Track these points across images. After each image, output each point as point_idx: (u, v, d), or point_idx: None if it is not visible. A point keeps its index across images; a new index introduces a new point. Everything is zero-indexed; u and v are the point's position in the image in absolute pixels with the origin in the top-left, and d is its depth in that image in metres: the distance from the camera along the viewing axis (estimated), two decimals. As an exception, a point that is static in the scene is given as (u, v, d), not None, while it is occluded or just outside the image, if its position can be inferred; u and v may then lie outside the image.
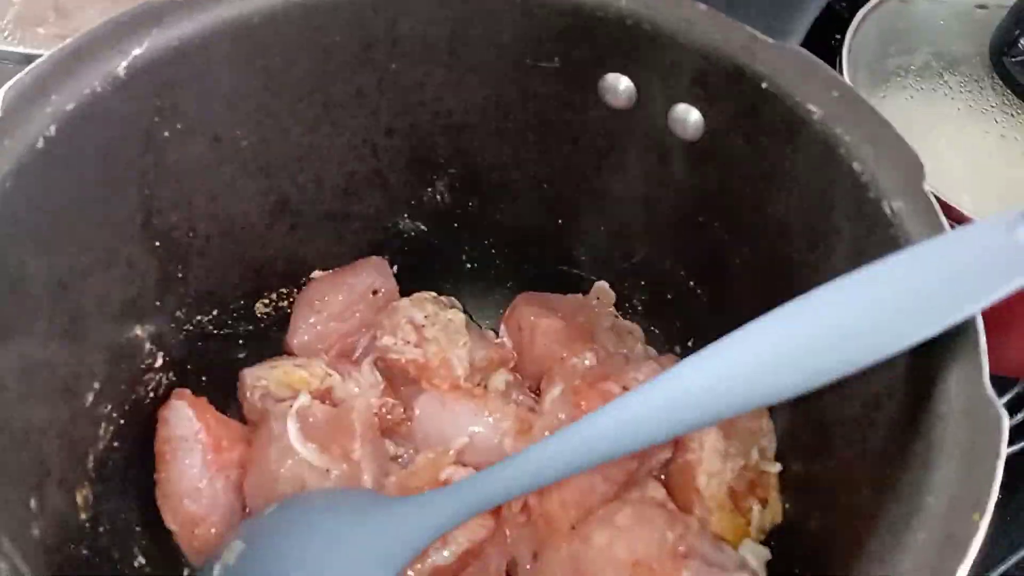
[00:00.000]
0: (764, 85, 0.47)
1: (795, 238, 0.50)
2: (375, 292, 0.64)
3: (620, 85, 0.53)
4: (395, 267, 0.66)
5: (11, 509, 0.42)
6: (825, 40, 0.72)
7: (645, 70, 0.51)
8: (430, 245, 0.66)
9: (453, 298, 0.66)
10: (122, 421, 0.55)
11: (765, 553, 0.52)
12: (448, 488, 0.51)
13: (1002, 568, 0.66)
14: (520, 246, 0.66)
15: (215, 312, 0.60)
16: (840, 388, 0.43)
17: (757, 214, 0.52)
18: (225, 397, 0.61)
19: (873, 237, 0.44)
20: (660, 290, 0.63)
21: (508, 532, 0.55)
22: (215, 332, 0.61)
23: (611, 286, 0.65)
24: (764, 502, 0.54)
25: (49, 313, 0.47)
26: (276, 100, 0.53)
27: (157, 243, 0.53)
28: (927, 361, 0.39)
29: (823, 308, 0.40)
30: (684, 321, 0.63)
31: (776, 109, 0.47)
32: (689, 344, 0.63)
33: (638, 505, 0.52)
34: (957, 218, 0.56)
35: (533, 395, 0.62)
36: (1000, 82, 0.65)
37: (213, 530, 0.55)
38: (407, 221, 0.65)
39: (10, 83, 0.44)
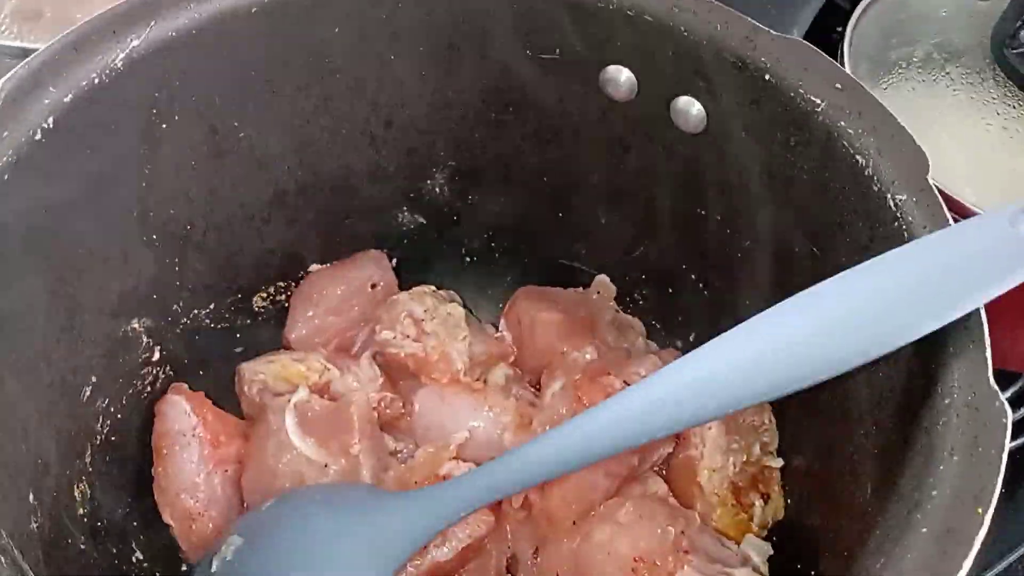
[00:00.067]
0: (766, 77, 0.47)
1: (798, 231, 0.49)
2: (374, 286, 0.63)
3: (621, 77, 0.52)
4: (394, 260, 0.65)
5: (9, 502, 0.42)
6: (826, 32, 0.71)
7: (646, 62, 0.51)
8: (429, 238, 0.66)
9: (452, 292, 0.66)
10: (119, 416, 0.55)
11: (767, 548, 0.52)
12: (447, 483, 0.51)
13: (1005, 563, 0.66)
14: (520, 240, 0.66)
15: (212, 306, 0.60)
16: (843, 382, 0.43)
17: (759, 207, 0.52)
18: (223, 392, 0.61)
19: (877, 230, 0.44)
20: (661, 284, 0.63)
21: (509, 528, 0.55)
22: (213, 326, 0.61)
23: (612, 280, 0.65)
24: (766, 497, 0.54)
25: (46, 306, 0.46)
26: (274, 92, 0.53)
27: (154, 236, 0.53)
28: (931, 354, 0.39)
29: (826, 302, 0.40)
30: (685, 315, 0.63)
31: (778, 101, 0.47)
32: (691, 338, 0.63)
33: (640, 501, 0.51)
34: (959, 210, 0.56)
35: (533, 389, 0.61)
36: (1002, 74, 0.65)
37: (211, 525, 0.55)
38: (406, 214, 0.65)
39: (8, 75, 0.44)
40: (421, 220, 0.65)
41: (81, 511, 0.50)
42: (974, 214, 0.56)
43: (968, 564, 0.33)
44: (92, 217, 0.48)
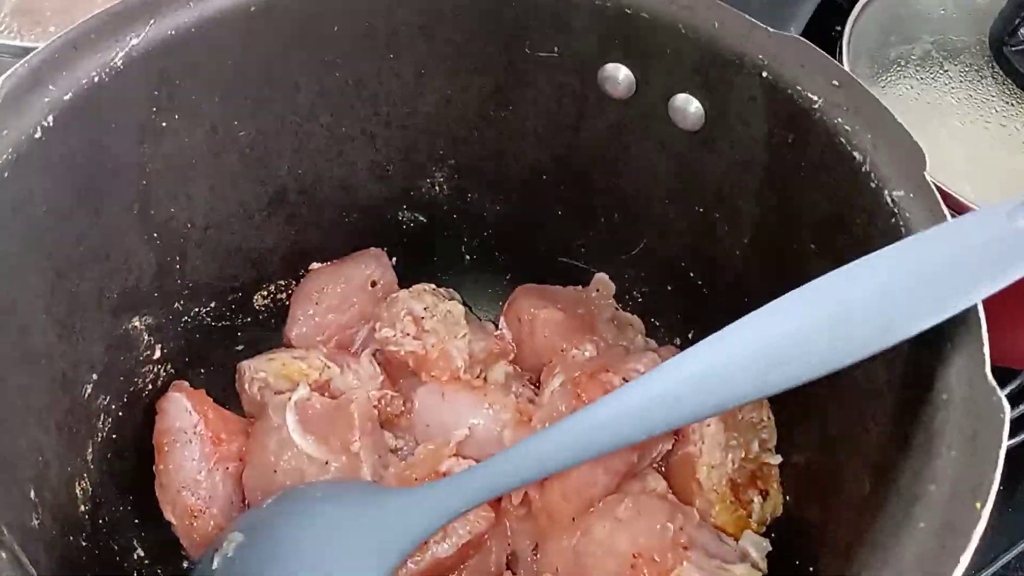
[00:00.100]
0: (764, 74, 0.47)
1: (796, 228, 0.50)
2: (374, 284, 0.64)
3: (620, 75, 0.53)
4: (394, 259, 0.66)
5: (10, 498, 0.42)
6: (825, 30, 0.71)
7: (645, 59, 0.51)
8: (429, 236, 0.66)
9: (452, 290, 0.66)
10: (121, 413, 0.55)
11: (766, 545, 0.52)
12: (447, 479, 0.51)
13: (1004, 560, 0.66)
14: (520, 238, 0.66)
15: (213, 304, 0.60)
16: (841, 379, 0.43)
17: (757, 204, 0.52)
18: (224, 389, 0.61)
19: (874, 226, 0.44)
20: (660, 282, 0.63)
21: (509, 524, 0.55)
22: (213, 324, 0.61)
23: (611, 278, 0.65)
24: (765, 494, 0.54)
25: (46, 303, 0.47)
26: (274, 90, 0.53)
27: (155, 234, 0.53)
28: (929, 350, 0.39)
29: (823, 298, 0.40)
30: (685, 313, 0.63)
31: (776, 98, 0.47)
32: (690, 336, 0.63)
33: (639, 497, 0.51)
34: (958, 207, 0.56)
35: (533, 387, 0.61)
36: (1000, 71, 0.65)
37: (212, 522, 0.55)
38: (406, 212, 0.65)
39: (7, 73, 0.44)
40: (421, 218, 0.65)
41: (82, 508, 0.51)
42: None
43: (966, 559, 0.33)
44: (92, 215, 0.48)
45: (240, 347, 0.63)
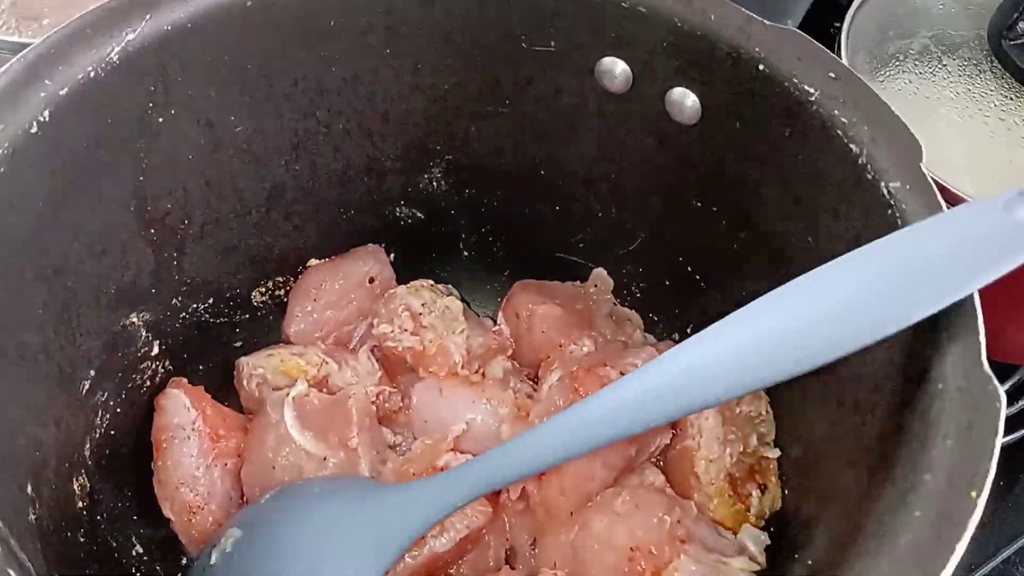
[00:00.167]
0: (761, 67, 0.47)
1: (793, 221, 0.50)
2: (372, 280, 0.64)
3: (616, 68, 0.53)
4: (392, 255, 0.65)
5: (7, 493, 0.42)
6: (823, 26, 0.71)
7: (641, 53, 0.51)
8: (427, 233, 0.66)
9: (450, 286, 0.66)
10: (119, 409, 0.55)
11: (764, 538, 0.52)
12: (444, 474, 0.51)
13: (1003, 556, 0.66)
14: (517, 233, 0.66)
15: (211, 300, 0.60)
16: (838, 370, 0.43)
17: (755, 198, 0.52)
18: (222, 386, 0.61)
19: (871, 218, 0.44)
20: (658, 277, 0.63)
21: (507, 519, 0.55)
22: (212, 320, 0.61)
23: (609, 273, 0.65)
24: (763, 488, 0.54)
25: (43, 299, 0.47)
26: (270, 86, 0.53)
27: (152, 230, 0.53)
28: (925, 340, 0.39)
29: (819, 289, 0.40)
30: (683, 308, 0.63)
31: (773, 91, 0.47)
32: (688, 331, 0.63)
33: (637, 491, 0.51)
34: (956, 202, 0.56)
35: (531, 382, 0.61)
36: (999, 66, 0.65)
37: (210, 518, 0.55)
38: (404, 208, 0.65)
39: (3, 68, 0.44)
40: (419, 214, 0.65)
41: (80, 504, 0.51)
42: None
43: (962, 547, 0.33)
44: (88, 210, 0.48)
45: (238, 343, 0.63)
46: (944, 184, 0.55)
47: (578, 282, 0.65)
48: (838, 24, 0.67)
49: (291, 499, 0.53)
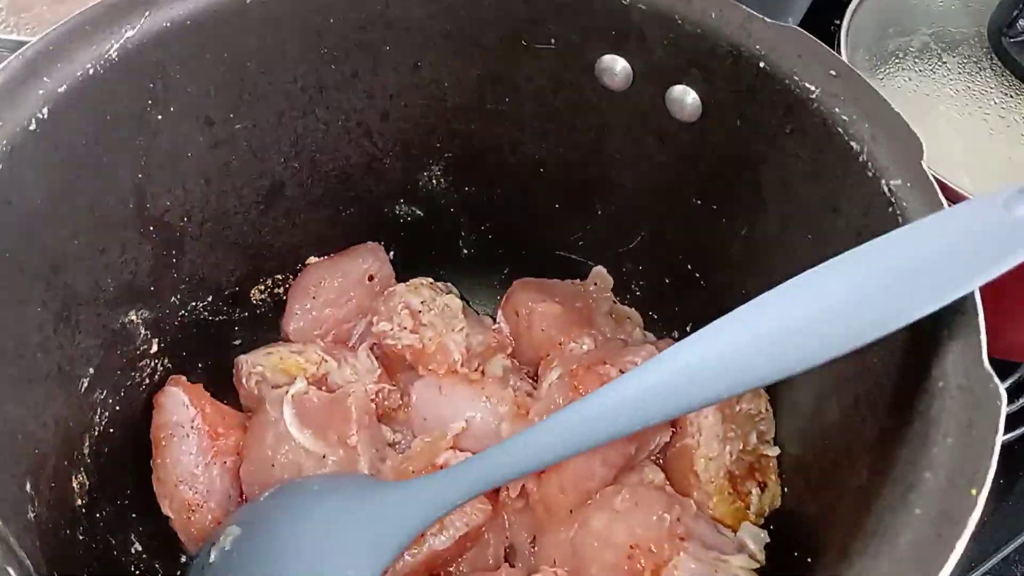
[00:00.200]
0: (761, 64, 0.47)
1: (793, 218, 0.50)
2: (371, 278, 0.63)
3: (617, 66, 0.52)
4: (391, 253, 0.65)
5: (6, 491, 0.42)
6: (823, 24, 0.71)
7: (642, 51, 0.51)
8: (426, 230, 0.66)
9: (450, 284, 0.66)
10: (118, 407, 0.55)
11: (764, 536, 0.52)
12: (444, 472, 0.51)
13: (1005, 552, 0.66)
14: (517, 231, 0.66)
15: (210, 298, 0.60)
16: (838, 368, 0.43)
17: (755, 195, 0.52)
18: (221, 384, 0.61)
19: (871, 215, 0.43)
20: (658, 275, 0.63)
21: (506, 517, 0.55)
22: (210, 318, 0.61)
23: (609, 271, 0.65)
24: (763, 486, 0.54)
25: (42, 296, 0.46)
26: (269, 83, 0.53)
27: (151, 227, 0.53)
28: (925, 338, 0.39)
29: (819, 287, 0.40)
30: (683, 306, 0.63)
31: (773, 88, 0.47)
32: (687, 329, 0.63)
33: (636, 489, 0.51)
34: (956, 199, 0.56)
35: (531, 380, 0.61)
36: (999, 63, 0.65)
37: (210, 516, 0.55)
38: (403, 206, 0.65)
39: (2, 65, 0.44)
40: (418, 212, 0.65)
41: (79, 502, 0.51)
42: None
43: (962, 545, 0.33)
44: (87, 208, 0.48)
45: (238, 341, 0.63)
46: (944, 181, 0.55)
47: (578, 280, 0.65)
48: (838, 22, 0.67)
49: (290, 497, 0.53)
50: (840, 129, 0.44)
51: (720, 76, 0.49)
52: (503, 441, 0.49)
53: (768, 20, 0.47)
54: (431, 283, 0.64)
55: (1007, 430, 0.68)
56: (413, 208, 0.65)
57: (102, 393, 0.53)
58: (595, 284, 0.65)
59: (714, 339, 0.41)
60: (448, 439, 0.55)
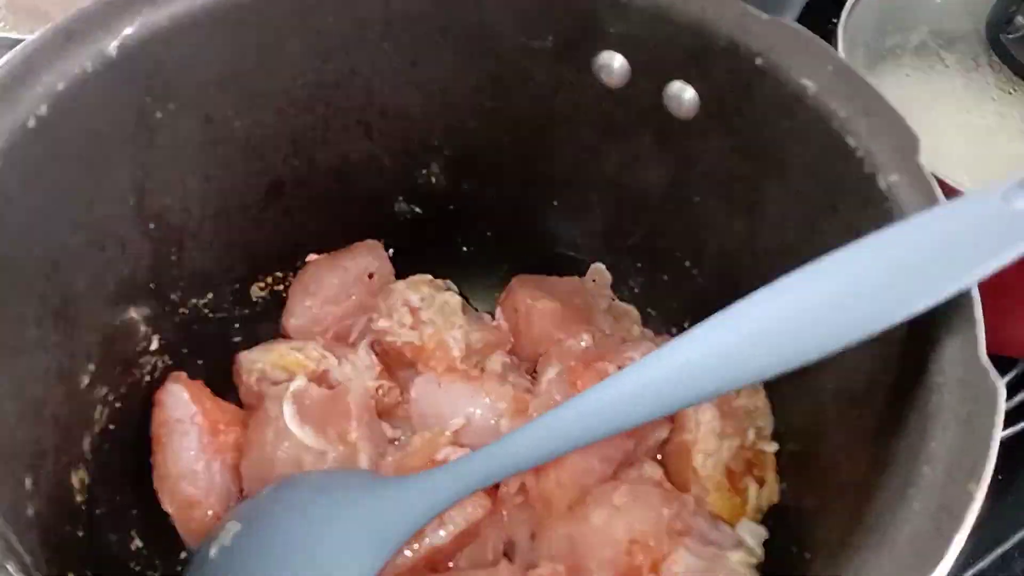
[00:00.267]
0: (758, 61, 0.47)
1: (791, 215, 0.50)
2: (370, 275, 0.63)
3: (615, 63, 0.52)
4: (390, 250, 0.65)
5: (6, 487, 0.42)
6: (821, 21, 0.71)
7: (639, 47, 0.51)
8: (425, 228, 0.66)
9: (449, 281, 0.66)
10: (118, 404, 0.55)
11: (762, 532, 0.52)
12: (443, 467, 0.51)
13: (1004, 547, 0.66)
14: (516, 228, 0.66)
15: (210, 295, 0.60)
16: (836, 364, 0.43)
17: (752, 192, 0.52)
18: (221, 380, 0.61)
19: (868, 211, 0.43)
20: (657, 271, 0.63)
21: (505, 513, 0.55)
22: (211, 315, 0.61)
23: (607, 268, 0.65)
24: (761, 482, 0.54)
25: (41, 293, 0.46)
26: (268, 81, 0.53)
27: (151, 225, 0.53)
28: (923, 333, 0.39)
29: (817, 282, 0.40)
30: (681, 302, 0.63)
31: (770, 84, 0.47)
32: (686, 326, 0.63)
33: (635, 484, 0.52)
34: (955, 195, 0.56)
35: (530, 377, 0.61)
36: (997, 59, 0.65)
37: (210, 512, 0.55)
38: (402, 204, 0.65)
39: (1, 62, 0.44)
40: (417, 209, 0.65)
41: (80, 498, 0.51)
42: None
43: (961, 539, 0.34)
44: (87, 205, 0.48)
45: (238, 338, 0.63)
46: (942, 178, 0.55)
47: (576, 277, 0.65)
48: (835, 19, 0.67)
49: (290, 492, 0.53)
50: (837, 125, 0.44)
51: (717, 72, 0.49)
52: (502, 437, 0.49)
53: (765, 16, 0.47)
54: (430, 280, 0.64)
55: (1006, 426, 0.68)
56: (412, 206, 0.65)
57: (102, 390, 0.53)
58: (593, 281, 0.65)
59: (711, 335, 0.41)
60: (447, 435, 0.55)
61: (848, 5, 0.66)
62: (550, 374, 0.57)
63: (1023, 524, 0.67)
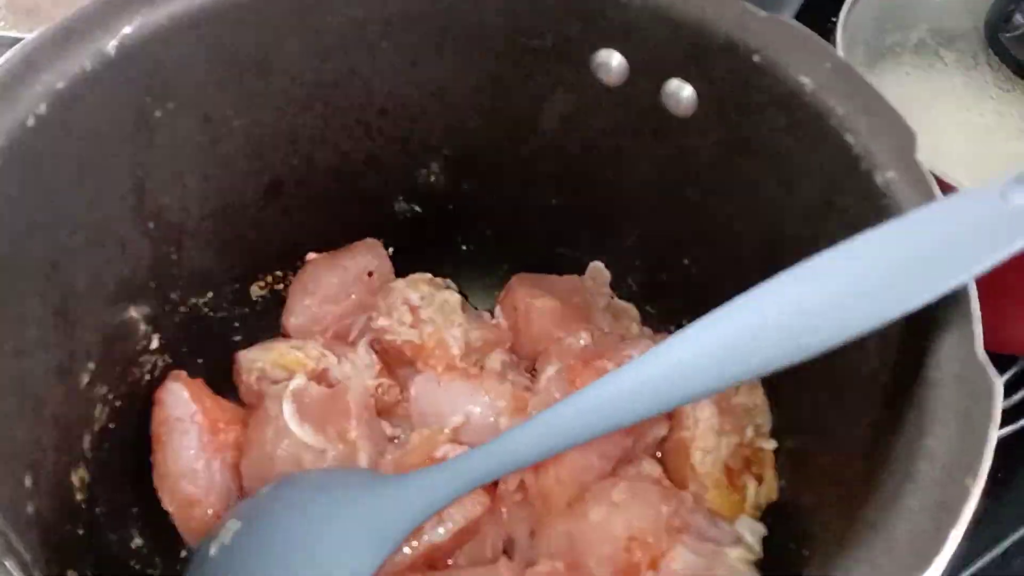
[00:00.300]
0: (756, 58, 0.47)
1: (789, 212, 0.50)
2: (370, 274, 0.64)
3: (613, 61, 0.52)
4: (390, 249, 0.65)
5: (5, 485, 0.43)
6: (820, 18, 0.71)
7: (637, 45, 0.51)
8: (425, 227, 0.66)
9: (448, 280, 0.66)
10: (118, 403, 0.55)
11: (761, 529, 0.52)
12: (441, 465, 0.51)
13: (1004, 545, 0.66)
14: (515, 227, 0.66)
15: (210, 294, 0.60)
16: (834, 361, 0.43)
17: (750, 189, 0.52)
18: (221, 379, 0.61)
19: (866, 208, 0.44)
20: (656, 270, 0.63)
21: (505, 511, 0.55)
22: (211, 314, 0.61)
23: (606, 266, 0.65)
24: (760, 479, 0.54)
25: (41, 292, 0.47)
26: (267, 80, 0.53)
27: (150, 224, 0.53)
28: (920, 329, 0.39)
29: (814, 278, 0.40)
30: (680, 301, 0.63)
31: (768, 82, 0.47)
32: (684, 323, 0.61)
33: (633, 481, 0.52)
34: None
35: (529, 375, 0.61)
36: (996, 58, 0.65)
37: (210, 511, 0.55)
38: (402, 203, 0.65)
39: (0, 61, 0.44)
40: (417, 208, 0.65)
41: (80, 496, 0.51)
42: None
43: (958, 535, 0.34)
44: (86, 204, 0.48)
45: (238, 337, 0.63)
46: (941, 177, 0.55)
47: (575, 275, 0.65)
48: (834, 18, 0.67)
49: (290, 491, 0.53)
50: (835, 122, 0.45)
51: (715, 70, 0.49)
52: (500, 435, 0.49)
53: (763, 13, 0.47)
54: (430, 279, 0.64)
55: (1005, 424, 0.68)
56: (412, 205, 0.65)
57: (102, 388, 0.53)
58: (592, 279, 0.65)
59: (708, 331, 0.41)
60: (446, 433, 0.55)
61: (847, 3, 0.66)
62: (549, 372, 0.57)
63: (1022, 522, 0.67)
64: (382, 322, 0.60)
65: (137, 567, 0.54)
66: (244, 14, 0.50)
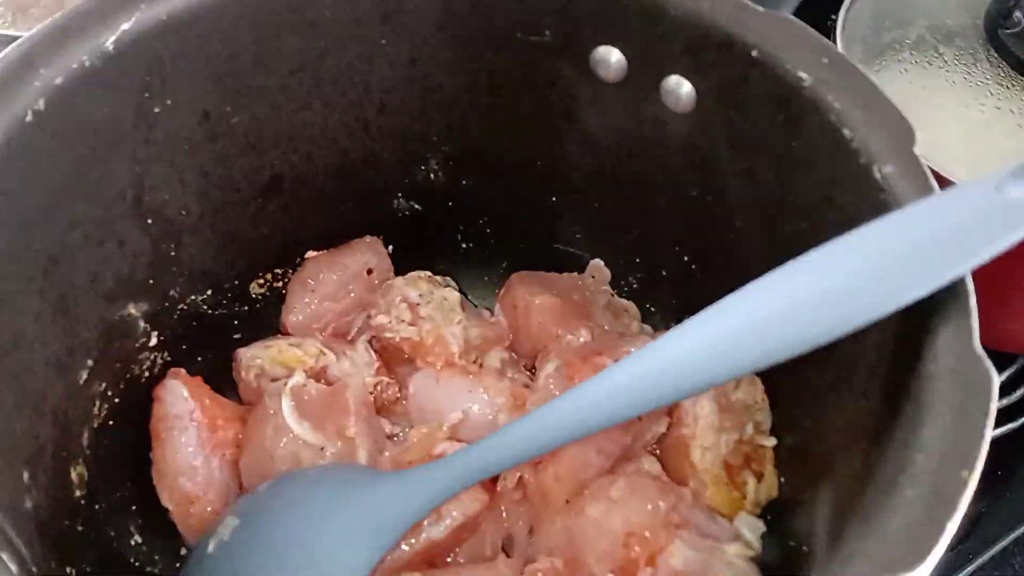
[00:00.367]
0: (754, 53, 0.47)
1: (787, 207, 0.50)
2: (369, 271, 0.64)
3: (612, 58, 0.52)
4: (389, 247, 0.66)
5: (3, 481, 0.43)
6: (819, 15, 0.71)
7: (636, 41, 0.51)
8: (424, 224, 0.66)
9: (448, 277, 0.66)
10: (117, 400, 0.55)
11: (760, 526, 0.52)
12: (440, 461, 0.51)
13: (1003, 543, 0.66)
14: (515, 224, 0.66)
15: (209, 292, 0.60)
16: (832, 356, 0.43)
17: (749, 185, 0.52)
18: (220, 377, 0.61)
19: (864, 203, 0.43)
20: (655, 267, 0.63)
21: (504, 507, 0.55)
22: (210, 312, 0.61)
23: (606, 264, 0.65)
24: (760, 476, 0.54)
25: (40, 288, 0.47)
26: (266, 76, 0.53)
27: (149, 220, 0.53)
28: (917, 322, 0.39)
29: (811, 272, 0.40)
30: (680, 298, 0.63)
31: (767, 77, 0.47)
32: (685, 320, 0.63)
33: (632, 478, 0.52)
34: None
35: (528, 372, 0.62)
36: (995, 54, 0.65)
37: (209, 508, 0.55)
38: (401, 200, 0.65)
39: (-1, 57, 0.44)
40: (416, 206, 0.65)
41: (79, 493, 0.51)
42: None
43: (953, 527, 0.33)
44: (85, 200, 0.48)
45: (237, 335, 0.63)
46: (940, 172, 0.55)
47: (575, 273, 0.66)
48: (834, 15, 0.67)
49: (289, 487, 0.53)
50: (833, 117, 0.44)
51: (714, 65, 0.49)
52: (498, 430, 0.50)
53: (761, 9, 0.47)
54: (429, 276, 0.64)
55: (1004, 422, 0.68)
56: (411, 202, 0.65)
57: (101, 385, 0.54)
58: (592, 277, 0.65)
59: (706, 326, 0.41)
60: (445, 430, 0.55)
61: (847, 1, 0.66)
62: (548, 369, 0.57)
63: (1021, 521, 0.66)
64: (381, 319, 0.60)
65: (136, 564, 0.54)
66: (243, 10, 0.50)
